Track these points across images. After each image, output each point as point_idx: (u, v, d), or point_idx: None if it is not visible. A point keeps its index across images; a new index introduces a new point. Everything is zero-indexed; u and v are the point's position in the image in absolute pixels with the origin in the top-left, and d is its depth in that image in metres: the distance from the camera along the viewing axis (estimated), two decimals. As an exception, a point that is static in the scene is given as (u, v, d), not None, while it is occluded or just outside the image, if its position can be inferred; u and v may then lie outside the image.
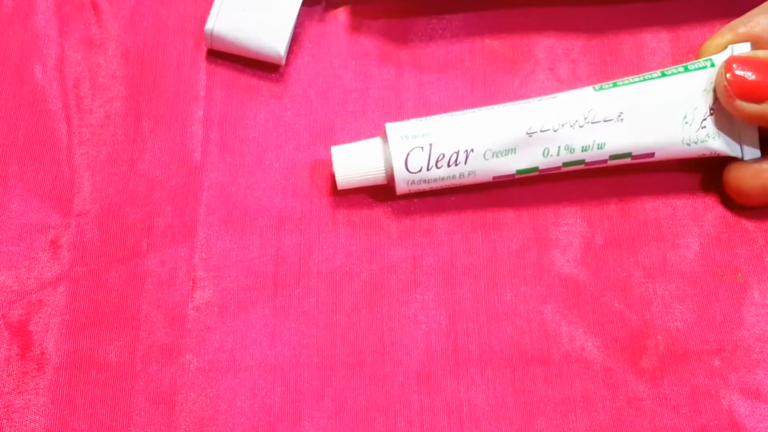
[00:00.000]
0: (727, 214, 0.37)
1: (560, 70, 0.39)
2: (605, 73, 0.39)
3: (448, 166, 0.34)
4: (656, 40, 0.40)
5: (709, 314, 0.35)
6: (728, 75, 0.33)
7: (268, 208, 0.37)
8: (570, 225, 0.37)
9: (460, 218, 0.37)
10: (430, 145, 0.34)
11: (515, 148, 0.34)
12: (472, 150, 0.34)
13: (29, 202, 0.37)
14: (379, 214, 0.37)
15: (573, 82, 0.39)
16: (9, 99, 0.39)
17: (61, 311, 0.35)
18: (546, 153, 0.34)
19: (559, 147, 0.34)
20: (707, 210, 0.37)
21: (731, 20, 0.36)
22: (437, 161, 0.34)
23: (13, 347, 0.35)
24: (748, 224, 0.36)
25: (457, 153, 0.34)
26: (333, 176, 0.37)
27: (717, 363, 0.34)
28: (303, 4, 0.39)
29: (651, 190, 0.37)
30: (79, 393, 0.34)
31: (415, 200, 0.37)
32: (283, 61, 0.39)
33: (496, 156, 0.34)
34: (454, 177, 0.35)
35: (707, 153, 0.35)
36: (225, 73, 0.39)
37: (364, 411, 0.34)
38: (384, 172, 0.35)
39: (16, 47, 0.40)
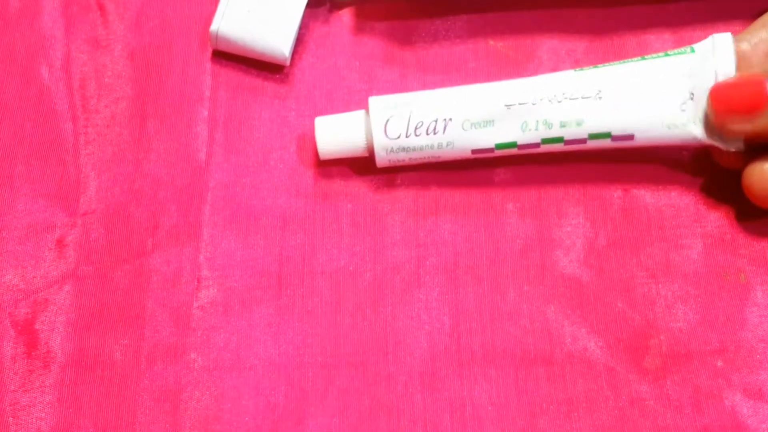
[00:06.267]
0: (730, 214, 0.37)
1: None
2: (609, 74, 0.39)
3: (427, 134, 0.35)
4: (660, 41, 0.40)
5: (712, 315, 0.35)
6: (713, 100, 0.33)
7: (273, 208, 0.37)
8: (573, 225, 0.37)
9: (463, 218, 0.37)
10: (410, 112, 0.35)
11: (493, 120, 0.35)
12: (451, 119, 0.35)
13: (35, 202, 0.37)
14: (383, 214, 0.37)
15: (576, 83, 0.39)
16: (15, 99, 0.39)
17: (66, 310, 0.35)
18: (524, 127, 0.34)
19: (537, 121, 0.34)
20: (710, 211, 0.37)
21: (734, 21, 0.36)
22: (416, 128, 0.35)
23: (20, 345, 0.35)
24: (751, 225, 0.36)
25: (436, 121, 0.35)
26: (336, 176, 0.37)
27: (720, 363, 0.34)
28: (307, 6, 0.39)
29: (654, 190, 0.37)
30: (85, 391, 0.34)
31: (419, 200, 0.37)
32: (288, 62, 0.39)
33: (475, 127, 0.35)
34: (432, 147, 0.35)
35: (690, 140, 0.34)
36: (230, 74, 0.40)
37: (367, 410, 0.34)
38: (365, 141, 0.36)
39: (22, 47, 0.40)
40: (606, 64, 0.35)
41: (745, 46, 0.34)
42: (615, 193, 0.37)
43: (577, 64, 0.39)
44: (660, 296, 0.35)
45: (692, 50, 0.34)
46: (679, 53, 0.34)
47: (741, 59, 0.34)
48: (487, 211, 0.37)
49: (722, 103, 0.33)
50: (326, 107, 0.39)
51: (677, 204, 0.37)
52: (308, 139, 0.38)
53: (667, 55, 0.35)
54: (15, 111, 0.39)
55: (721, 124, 0.33)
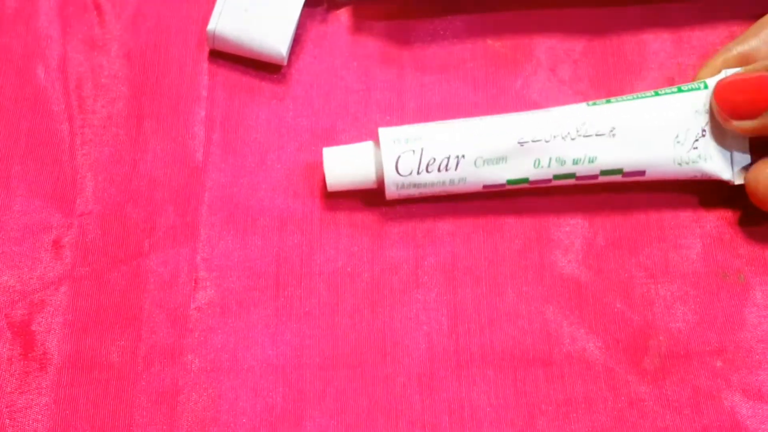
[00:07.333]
0: (729, 214, 0.37)
1: (562, 71, 0.39)
2: (607, 74, 0.39)
3: (439, 171, 0.34)
4: (658, 41, 0.40)
5: (711, 315, 0.35)
6: (717, 99, 0.33)
7: (270, 208, 0.37)
8: (572, 226, 0.37)
9: (461, 219, 0.37)
10: (422, 149, 0.34)
11: (506, 157, 0.34)
12: (463, 156, 0.34)
13: (32, 203, 0.37)
14: (381, 214, 0.37)
15: (574, 82, 0.39)
16: (11, 99, 0.39)
17: (63, 311, 0.35)
18: (537, 164, 0.34)
19: (550, 158, 0.34)
20: (709, 211, 0.37)
21: (733, 21, 0.36)
22: (428, 165, 0.34)
23: (16, 347, 0.35)
24: (750, 225, 0.36)
25: (448, 158, 0.34)
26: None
27: (719, 364, 0.34)
28: (305, 5, 0.39)
29: (653, 191, 0.37)
30: (82, 393, 0.34)
31: (417, 200, 0.37)
32: (285, 62, 0.39)
33: (487, 164, 0.34)
34: (444, 183, 0.35)
35: (698, 175, 0.35)
36: (227, 74, 0.39)
37: (365, 411, 0.34)
38: (374, 175, 0.35)
39: (18, 48, 0.40)
40: (619, 98, 0.35)
41: (735, 51, 0.35)
42: (614, 193, 0.37)
43: (575, 64, 0.39)
44: (659, 296, 0.35)
45: (705, 86, 0.35)
46: (691, 89, 0.35)
47: (744, 58, 0.34)
48: (485, 212, 0.37)
49: (726, 100, 0.33)
50: (324, 107, 0.39)
51: (676, 204, 0.37)
52: (306, 139, 0.38)
53: (680, 90, 0.35)
54: (11, 112, 0.39)
55: (725, 121, 0.33)
